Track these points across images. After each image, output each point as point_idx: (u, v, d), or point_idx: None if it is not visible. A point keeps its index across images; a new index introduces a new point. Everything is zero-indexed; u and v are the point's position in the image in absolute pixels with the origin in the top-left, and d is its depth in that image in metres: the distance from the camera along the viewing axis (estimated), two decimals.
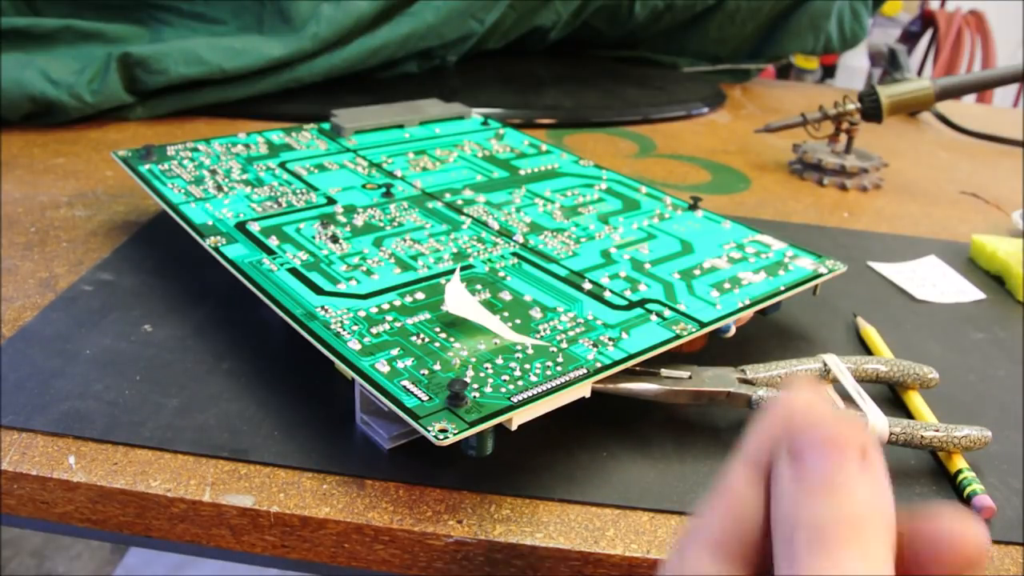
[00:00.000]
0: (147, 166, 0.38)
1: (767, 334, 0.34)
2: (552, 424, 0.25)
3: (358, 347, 0.25)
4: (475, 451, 0.25)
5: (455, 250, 0.33)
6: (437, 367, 0.25)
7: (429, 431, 0.22)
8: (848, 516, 0.14)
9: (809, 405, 0.15)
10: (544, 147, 0.46)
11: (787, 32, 0.79)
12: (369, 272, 0.30)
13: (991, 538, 0.25)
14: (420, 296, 0.29)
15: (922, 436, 0.26)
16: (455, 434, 0.22)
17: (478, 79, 0.70)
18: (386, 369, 0.24)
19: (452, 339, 0.26)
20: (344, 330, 0.26)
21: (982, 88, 0.59)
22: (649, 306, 0.29)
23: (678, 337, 0.27)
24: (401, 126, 0.47)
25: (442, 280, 0.30)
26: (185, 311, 0.32)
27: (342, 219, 0.35)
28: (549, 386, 0.24)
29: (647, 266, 0.32)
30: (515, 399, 0.23)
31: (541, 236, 0.34)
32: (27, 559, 1.02)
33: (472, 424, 0.22)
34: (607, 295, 0.30)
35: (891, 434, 0.26)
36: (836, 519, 0.14)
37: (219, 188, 0.36)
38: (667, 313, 0.29)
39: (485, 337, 0.26)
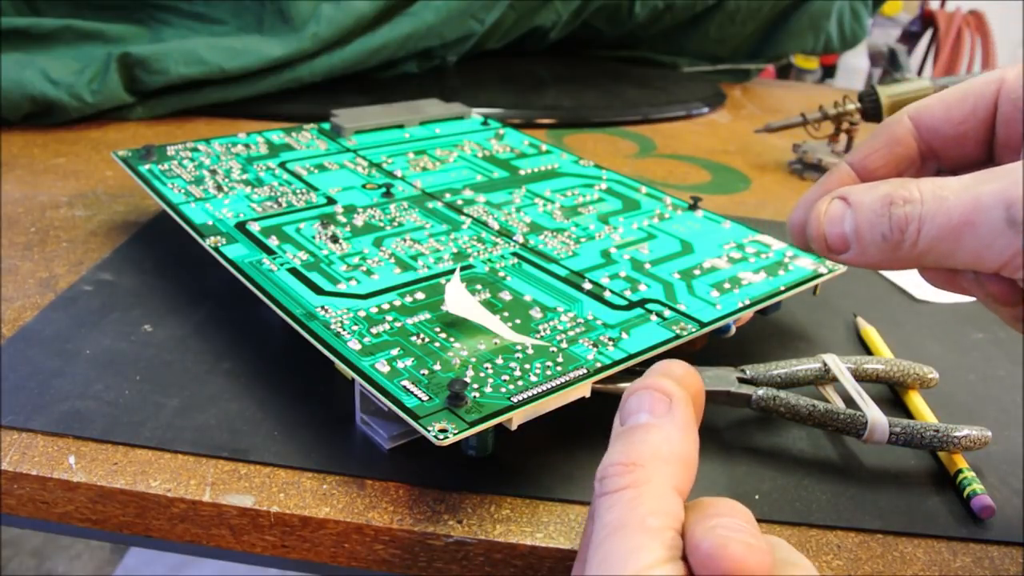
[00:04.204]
0: (147, 166, 0.38)
1: (767, 334, 0.34)
2: (552, 424, 0.25)
3: (358, 347, 0.25)
4: (475, 451, 0.25)
5: (455, 250, 0.33)
6: (437, 367, 0.25)
7: (429, 431, 0.22)
8: (628, 458, 0.17)
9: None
10: (544, 147, 0.46)
11: (787, 32, 0.79)
12: (369, 272, 0.30)
13: (991, 538, 0.25)
14: (420, 296, 0.29)
15: (922, 436, 0.26)
16: (455, 434, 0.22)
17: (478, 79, 0.70)
18: (386, 369, 0.24)
19: (452, 339, 0.26)
20: (344, 330, 0.26)
21: None
22: (649, 306, 0.29)
23: (678, 337, 0.27)
24: (401, 126, 0.47)
25: (442, 280, 0.30)
26: (185, 311, 0.32)
27: (342, 219, 0.35)
28: (549, 386, 0.24)
29: (647, 266, 0.32)
30: (515, 399, 0.23)
31: (541, 236, 0.34)
32: (27, 559, 1.02)
33: (472, 424, 0.22)
34: (607, 295, 0.30)
35: (891, 434, 0.26)
36: (617, 461, 0.17)
37: (219, 188, 0.36)
38: (667, 313, 0.29)
39: (485, 337, 0.26)
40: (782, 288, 0.31)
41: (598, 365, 0.25)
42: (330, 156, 0.42)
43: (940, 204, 0.19)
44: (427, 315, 0.28)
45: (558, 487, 0.25)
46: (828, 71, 2.12)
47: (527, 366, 0.25)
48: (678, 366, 0.20)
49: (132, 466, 0.25)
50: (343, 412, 0.27)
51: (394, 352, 0.25)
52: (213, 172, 0.38)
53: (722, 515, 0.17)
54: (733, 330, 0.30)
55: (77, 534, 0.26)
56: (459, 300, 0.27)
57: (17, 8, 0.61)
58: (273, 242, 0.32)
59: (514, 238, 0.34)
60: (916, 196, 0.20)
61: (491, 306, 0.28)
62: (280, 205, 0.35)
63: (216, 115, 0.58)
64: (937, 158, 0.24)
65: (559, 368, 0.25)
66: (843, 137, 0.55)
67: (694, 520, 0.17)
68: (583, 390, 0.25)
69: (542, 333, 0.27)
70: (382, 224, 0.34)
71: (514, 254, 0.33)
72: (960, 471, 0.26)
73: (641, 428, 0.18)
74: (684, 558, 0.16)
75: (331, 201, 0.36)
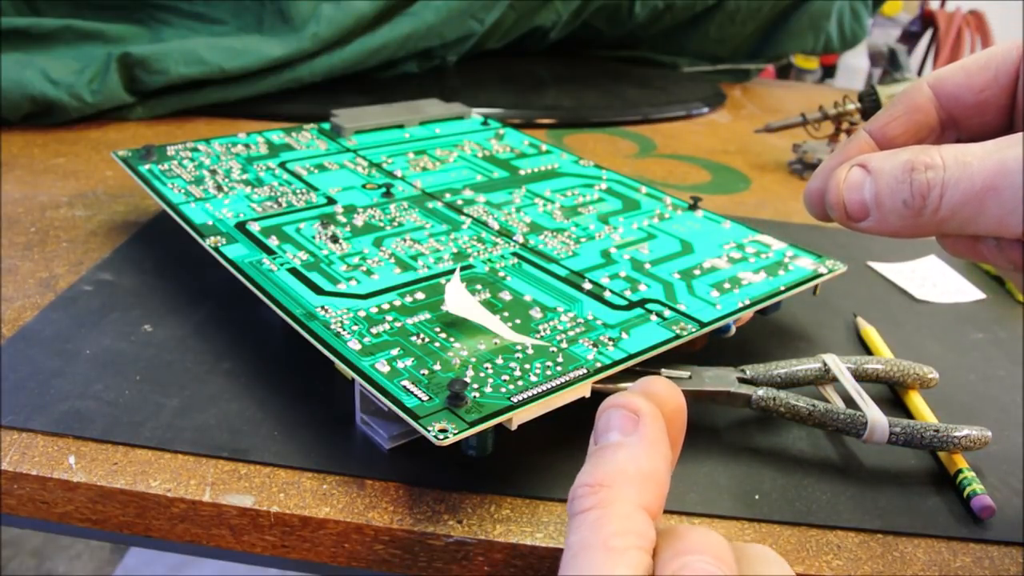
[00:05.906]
0: (147, 166, 0.38)
1: (767, 334, 0.34)
2: (552, 424, 0.25)
3: (358, 347, 0.25)
4: (475, 451, 0.25)
5: (455, 250, 0.33)
6: (437, 367, 0.25)
7: (429, 431, 0.22)
8: (594, 479, 0.17)
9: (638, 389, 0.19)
10: (544, 147, 0.46)
11: (787, 32, 0.79)
12: (369, 272, 0.30)
13: (991, 538, 0.25)
14: (420, 296, 0.29)
15: (922, 436, 0.26)
16: (455, 434, 0.22)
17: (478, 79, 0.70)
18: (386, 369, 0.24)
19: (452, 339, 0.26)
20: (344, 330, 0.26)
21: None
22: (649, 306, 0.29)
23: (678, 337, 0.27)
24: (401, 126, 0.47)
25: (442, 280, 0.30)
26: (185, 311, 0.32)
27: (342, 219, 0.35)
28: (549, 386, 0.24)
29: (647, 266, 0.32)
30: (515, 399, 0.23)
31: (541, 236, 0.34)
32: (27, 559, 1.02)
33: (472, 424, 0.22)
34: (607, 295, 0.30)
35: (891, 434, 0.26)
36: (584, 482, 0.17)
37: (219, 188, 0.36)
38: (667, 313, 0.29)
39: (485, 337, 0.26)
40: (782, 288, 0.31)
41: (598, 365, 0.25)
42: (330, 156, 0.42)
43: (963, 169, 0.19)
44: (427, 315, 0.28)
45: (558, 487, 0.25)
46: (828, 71, 2.12)
47: (527, 366, 0.25)
48: (657, 383, 0.19)
49: (132, 466, 0.25)
50: (343, 412, 0.27)
51: (394, 352, 0.25)
52: (213, 172, 0.38)
53: (692, 552, 0.16)
54: (733, 330, 0.30)
55: (77, 534, 0.26)
56: (459, 300, 0.27)
57: (17, 8, 0.61)
58: (273, 242, 0.32)
59: (514, 238, 0.34)
60: (938, 162, 0.20)
61: (491, 306, 0.28)
62: (280, 205, 0.35)
63: (216, 115, 0.58)
64: (957, 126, 0.24)
65: (559, 368, 0.25)
66: (843, 137, 0.55)
67: (664, 558, 0.16)
68: (583, 390, 0.25)
69: (542, 333, 0.27)
70: (382, 224, 0.34)
71: (514, 254, 0.33)
72: (960, 471, 0.26)
73: (609, 448, 0.18)
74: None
75: (331, 201, 0.36)
